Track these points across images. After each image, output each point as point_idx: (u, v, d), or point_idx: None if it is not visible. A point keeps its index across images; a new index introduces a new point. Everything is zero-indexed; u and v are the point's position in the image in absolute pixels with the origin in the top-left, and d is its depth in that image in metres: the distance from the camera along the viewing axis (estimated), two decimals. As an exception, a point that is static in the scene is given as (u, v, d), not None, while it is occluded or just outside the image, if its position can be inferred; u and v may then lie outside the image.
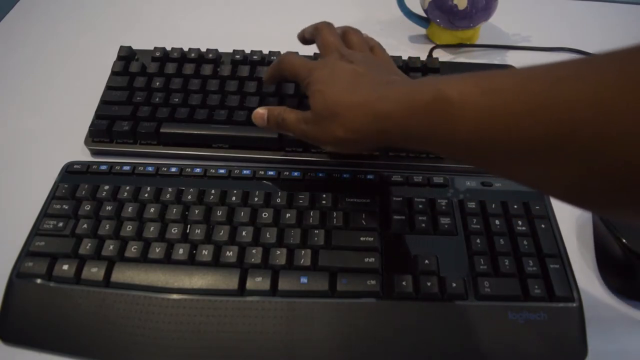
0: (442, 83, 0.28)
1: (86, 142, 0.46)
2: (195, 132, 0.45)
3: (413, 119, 0.29)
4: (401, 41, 0.58)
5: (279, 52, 0.51)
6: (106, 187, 0.40)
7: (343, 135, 0.33)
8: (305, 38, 0.44)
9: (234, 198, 0.39)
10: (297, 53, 0.41)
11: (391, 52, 0.53)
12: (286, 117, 0.38)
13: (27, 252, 0.37)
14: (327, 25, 0.41)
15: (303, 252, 0.36)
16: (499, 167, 0.27)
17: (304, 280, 0.35)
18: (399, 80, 0.34)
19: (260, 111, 0.40)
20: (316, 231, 0.37)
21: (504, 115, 0.24)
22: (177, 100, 0.47)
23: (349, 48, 0.39)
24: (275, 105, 0.43)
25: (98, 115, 0.46)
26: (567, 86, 0.22)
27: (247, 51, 0.51)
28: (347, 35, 0.41)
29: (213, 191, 0.40)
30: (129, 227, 0.38)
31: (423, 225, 0.38)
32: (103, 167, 0.42)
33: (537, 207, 0.39)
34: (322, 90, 0.34)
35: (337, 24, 0.60)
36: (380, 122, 0.31)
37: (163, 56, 0.50)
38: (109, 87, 0.49)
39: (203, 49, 0.51)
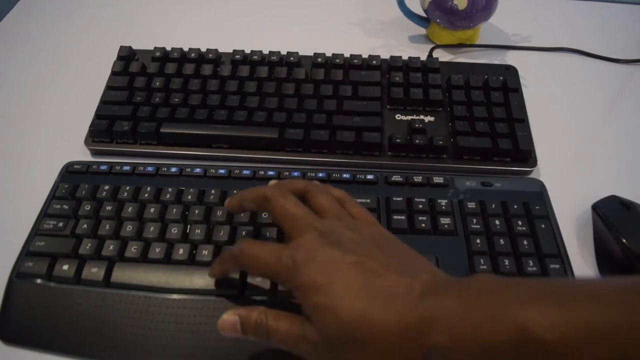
0: (526, 317, 0.21)
1: (86, 142, 0.46)
2: (195, 132, 0.45)
3: (481, 357, 0.22)
4: (401, 41, 0.58)
5: (278, 52, 0.51)
6: (106, 187, 0.40)
7: None
8: (246, 208, 0.34)
9: (234, 198, 0.39)
10: (255, 242, 0.29)
11: (391, 52, 0.54)
12: (272, 328, 0.27)
13: (27, 252, 0.37)
14: (277, 187, 0.32)
15: (303, 252, 0.36)
16: None
17: (304, 280, 0.35)
18: (434, 285, 0.25)
19: (230, 318, 0.28)
20: (316, 231, 0.37)
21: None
22: (177, 100, 0.47)
23: (318, 214, 0.30)
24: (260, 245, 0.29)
25: (98, 115, 0.46)
26: None
27: (247, 51, 0.51)
28: (309, 195, 0.31)
29: (213, 191, 0.40)
30: (129, 227, 0.38)
31: (423, 225, 0.38)
32: (103, 167, 0.42)
33: (537, 207, 0.39)
34: (329, 308, 0.24)
35: (337, 23, 0.60)
36: (428, 354, 0.23)
37: (163, 56, 0.50)
38: (109, 87, 0.49)
39: (203, 49, 0.51)
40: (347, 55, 0.51)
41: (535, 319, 0.20)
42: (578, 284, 0.22)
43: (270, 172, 0.42)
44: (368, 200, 0.39)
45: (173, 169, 0.42)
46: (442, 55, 0.56)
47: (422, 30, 0.58)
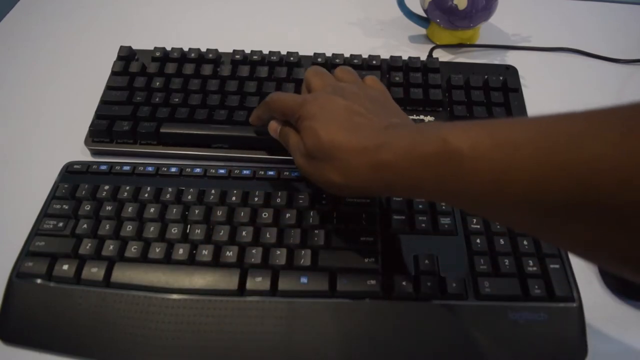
0: (449, 133, 0.26)
1: (86, 142, 0.46)
2: (195, 132, 0.45)
3: (418, 171, 0.27)
4: (401, 41, 0.58)
5: (278, 52, 0.51)
6: (106, 187, 0.40)
7: (339, 181, 0.31)
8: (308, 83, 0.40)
9: (234, 198, 0.39)
10: (283, 92, 0.38)
11: (391, 52, 0.54)
12: (289, 138, 0.36)
13: (27, 252, 0.37)
14: (315, 67, 0.40)
15: (303, 252, 0.36)
16: (512, 223, 0.26)
17: (304, 280, 0.35)
18: (399, 125, 0.32)
19: (274, 124, 0.39)
20: (316, 231, 0.37)
21: (520, 172, 0.23)
22: (177, 100, 0.47)
23: (340, 81, 0.38)
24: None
25: (98, 115, 0.46)
26: (588, 144, 0.22)
27: (247, 51, 0.51)
28: (337, 71, 0.39)
29: (213, 191, 0.40)
30: (129, 227, 0.38)
31: (423, 225, 0.38)
32: (103, 167, 0.42)
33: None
34: (314, 128, 0.32)
35: (337, 23, 0.60)
36: (381, 172, 0.29)
37: (163, 56, 0.50)
38: (109, 87, 0.49)
39: (203, 49, 0.51)
40: (347, 55, 0.51)
41: (455, 134, 0.26)
42: (518, 126, 0.25)
43: (270, 172, 0.42)
44: (368, 200, 0.39)
45: (173, 169, 0.42)
46: (442, 55, 0.56)
47: (422, 30, 0.58)
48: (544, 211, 0.23)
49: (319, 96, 0.34)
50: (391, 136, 0.30)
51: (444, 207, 0.39)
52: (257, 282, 0.35)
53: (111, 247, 0.37)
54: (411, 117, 0.47)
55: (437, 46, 0.56)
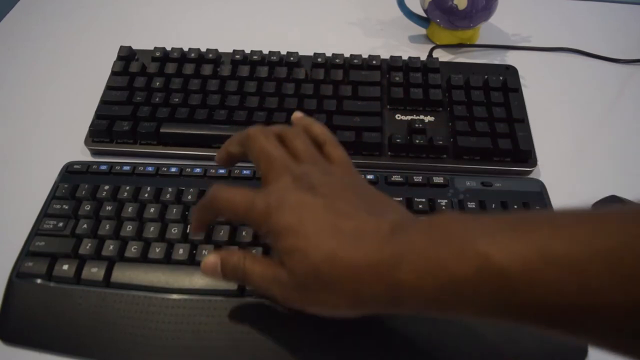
0: (488, 247, 0.21)
1: (86, 142, 0.46)
2: (195, 132, 0.45)
3: (450, 294, 0.22)
4: (401, 41, 0.58)
5: (278, 52, 0.51)
6: (106, 187, 0.40)
7: (346, 308, 0.25)
8: (232, 153, 0.33)
9: (234, 198, 0.39)
10: (228, 187, 0.29)
11: (391, 52, 0.54)
12: (249, 269, 0.28)
13: (27, 252, 0.37)
14: (260, 129, 0.31)
15: (303, 252, 0.36)
16: (563, 335, 0.21)
17: (304, 280, 0.35)
18: (404, 226, 0.25)
19: (210, 260, 0.29)
20: (316, 231, 0.37)
21: (580, 288, 0.20)
22: (177, 100, 0.47)
23: (295, 157, 0.30)
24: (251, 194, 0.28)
25: (98, 115, 0.46)
26: None
27: (247, 51, 0.51)
28: (286, 138, 0.31)
29: (213, 191, 0.40)
30: (129, 227, 0.38)
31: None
32: (103, 167, 0.42)
33: (537, 207, 0.39)
34: (300, 250, 0.25)
35: (337, 23, 0.60)
36: (396, 292, 0.23)
37: (163, 56, 0.50)
38: (109, 87, 0.49)
39: (203, 49, 0.51)
40: (347, 55, 0.51)
41: (496, 248, 0.21)
42: (539, 215, 0.23)
43: (270, 172, 0.42)
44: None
45: (173, 169, 0.42)
46: (442, 55, 0.56)
47: (422, 30, 0.58)
48: (606, 325, 0.20)
49: (285, 197, 0.27)
50: (404, 246, 0.24)
51: (443, 207, 0.39)
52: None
53: (111, 247, 0.37)
54: (411, 117, 0.47)
55: (437, 46, 0.56)
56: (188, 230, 0.36)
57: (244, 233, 0.37)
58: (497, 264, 0.21)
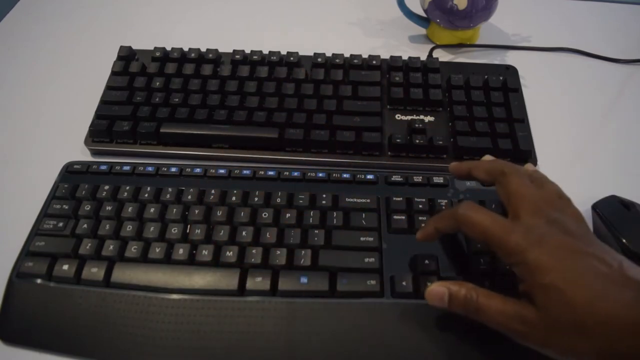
0: None
1: (86, 142, 0.46)
2: (195, 132, 0.45)
3: None
4: (401, 41, 0.58)
5: (278, 52, 0.51)
6: (106, 187, 0.40)
7: (590, 354, 0.25)
8: (474, 177, 0.34)
9: (234, 198, 0.39)
10: (479, 207, 0.30)
11: (391, 52, 0.54)
12: (483, 305, 0.28)
13: (27, 252, 0.37)
14: (514, 168, 0.32)
15: (303, 252, 0.36)
16: None
17: (304, 280, 0.35)
18: None
19: (439, 290, 0.30)
20: (316, 231, 0.37)
21: None
22: (177, 100, 0.47)
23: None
24: (427, 230, 0.32)
25: (98, 115, 0.46)
26: None
27: (247, 51, 0.51)
28: (535, 184, 0.31)
29: (213, 191, 0.40)
30: (129, 227, 0.38)
31: (423, 225, 0.38)
32: (103, 167, 0.42)
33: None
34: (560, 289, 0.25)
35: (337, 23, 0.60)
36: None
37: (163, 56, 0.50)
38: (109, 87, 0.49)
39: (203, 49, 0.51)
40: (347, 55, 0.51)
41: None
42: None
43: (270, 172, 0.42)
44: (368, 200, 0.39)
45: (173, 169, 0.42)
46: (442, 55, 0.56)
47: (422, 30, 0.58)
48: None
49: (545, 236, 0.27)
50: None
51: (443, 207, 0.39)
52: (257, 282, 0.35)
53: (111, 247, 0.37)
54: (411, 117, 0.47)
55: (437, 46, 0.56)
56: (418, 236, 0.34)
57: (244, 233, 0.37)
58: None
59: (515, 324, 0.27)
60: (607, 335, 0.24)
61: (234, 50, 0.51)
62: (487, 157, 0.37)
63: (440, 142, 0.44)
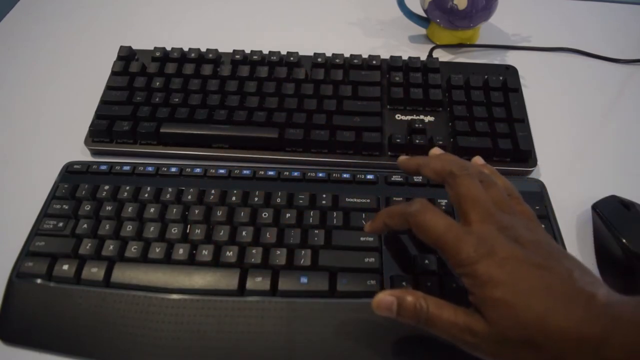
0: None
1: (86, 142, 0.46)
2: (195, 132, 0.45)
3: None
4: (401, 41, 0.58)
5: (278, 52, 0.51)
6: (106, 187, 0.40)
7: None
8: (423, 174, 0.33)
9: (234, 198, 0.39)
10: (434, 208, 0.29)
11: (391, 52, 0.54)
12: (434, 316, 0.27)
13: (27, 252, 0.37)
14: (463, 168, 0.30)
15: (303, 252, 0.36)
16: None
17: (304, 280, 0.35)
18: (613, 301, 0.25)
19: (387, 299, 0.29)
20: (316, 231, 0.37)
21: None
22: (177, 100, 0.47)
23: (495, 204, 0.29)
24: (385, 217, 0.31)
25: (98, 115, 0.46)
26: None
27: (247, 51, 0.51)
28: (485, 186, 0.30)
29: (213, 191, 0.40)
30: (129, 227, 0.38)
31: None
32: (103, 167, 0.42)
33: (537, 207, 0.39)
34: (509, 304, 0.25)
35: (337, 23, 0.60)
36: None
37: (163, 56, 0.50)
38: (109, 87, 0.49)
39: (203, 49, 0.51)
40: (347, 55, 0.51)
41: None
42: None
43: (270, 172, 0.42)
44: (368, 200, 0.39)
45: (173, 169, 0.42)
46: (442, 55, 0.56)
47: (422, 30, 0.58)
48: None
49: (495, 247, 0.26)
50: (615, 322, 0.23)
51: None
52: (257, 282, 0.35)
53: (111, 247, 0.37)
54: (411, 117, 0.47)
55: (437, 46, 0.56)
56: (366, 228, 0.34)
57: (244, 233, 0.37)
58: None
59: (465, 336, 0.26)
60: (557, 350, 0.24)
61: (234, 50, 0.51)
62: (435, 151, 0.35)
63: (440, 142, 0.44)
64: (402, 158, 0.35)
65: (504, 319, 0.25)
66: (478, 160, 0.35)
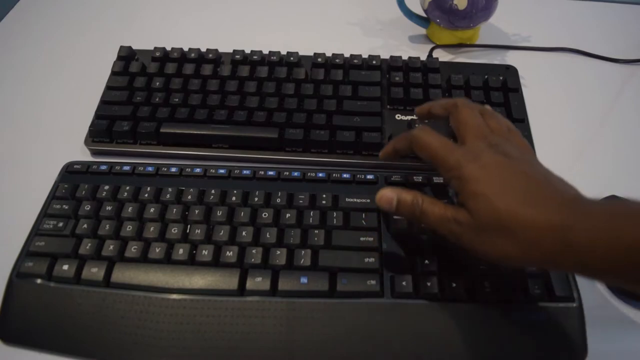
0: None
1: (86, 142, 0.46)
2: (195, 132, 0.45)
3: (619, 259, 0.25)
4: (401, 41, 0.58)
5: (278, 52, 0.51)
6: (106, 187, 0.40)
7: (517, 255, 0.28)
8: (433, 113, 0.37)
9: (234, 198, 0.40)
10: (432, 130, 0.34)
11: (391, 52, 0.54)
12: (427, 210, 0.32)
13: (27, 252, 0.37)
14: (466, 102, 0.35)
15: (303, 252, 0.36)
16: None
17: (304, 280, 0.35)
18: (586, 199, 0.29)
19: (388, 194, 0.34)
20: (316, 231, 0.37)
21: None
22: (177, 100, 0.47)
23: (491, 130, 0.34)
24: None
25: (98, 115, 0.46)
26: None
27: (247, 51, 0.51)
28: (484, 115, 0.35)
29: (213, 191, 0.40)
30: (129, 227, 0.38)
31: (423, 224, 0.38)
32: (103, 167, 0.42)
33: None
34: (487, 196, 0.28)
35: (338, 23, 0.60)
36: (571, 252, 0.26)
37: (163, 56, 0.50)
38: (109, 87, 0.49)
39: (203, 49, 0.51)
40: (347, 55, 0.51)
41: None
42: None
43: (270, 172, 0.42)
44: (368, 200, 0.39)
45: (173, 169, 0.42)
46: (442, 55, 0.56)
47: (422, 30, 0.58)
48: None
49: (481, 155, 0.31)
50: (582, 213, 0.27)
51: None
52: (257, 282, 0.35)
53: (111, 247, 0.37)
54: (411, 117, 0.47)
55: (437, 46, 0.56)
56: (380, 155, 0.39)
57: (244, 233, 0.37)
58: None
59: (452, 225, 0.30)
60: (528, 236, 0.27)
61: (234, 50, 0.51)
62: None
63: (440, 142, 0.44)
64: (418, 107, 0.39)
65: (482, 209, 0.29)
66: (487, 107, 0.38)
